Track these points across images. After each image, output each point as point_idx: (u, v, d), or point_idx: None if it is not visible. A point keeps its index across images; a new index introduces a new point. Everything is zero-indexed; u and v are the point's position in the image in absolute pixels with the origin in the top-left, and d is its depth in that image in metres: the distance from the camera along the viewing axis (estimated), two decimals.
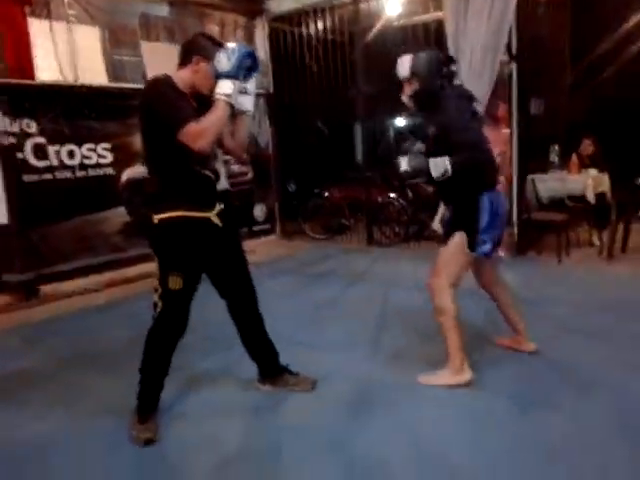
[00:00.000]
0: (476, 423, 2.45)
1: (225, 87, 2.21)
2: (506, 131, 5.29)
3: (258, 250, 6.47)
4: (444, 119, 2.56)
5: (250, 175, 7.01)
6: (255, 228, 7.25)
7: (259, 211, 7.38)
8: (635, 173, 5.33)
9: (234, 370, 3.08)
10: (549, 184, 5.62)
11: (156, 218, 2.33)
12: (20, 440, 2.53)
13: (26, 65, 4.87)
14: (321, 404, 2.69)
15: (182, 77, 2.33)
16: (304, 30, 6.68)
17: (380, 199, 6.72)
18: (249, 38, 6.87)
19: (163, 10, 5.93)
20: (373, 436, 2.38)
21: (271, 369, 2.83)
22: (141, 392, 2.50)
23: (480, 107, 2.80)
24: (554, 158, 6.00)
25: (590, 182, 5.31)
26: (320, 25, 6.55)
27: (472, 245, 2.63)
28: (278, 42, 6.93)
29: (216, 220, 2.42)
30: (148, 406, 2.51)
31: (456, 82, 2.74)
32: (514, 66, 5.19)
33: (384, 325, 3.79)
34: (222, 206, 2.47)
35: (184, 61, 2.35)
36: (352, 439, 2.36)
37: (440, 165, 2.47)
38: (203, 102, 2.31)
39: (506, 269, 4.97)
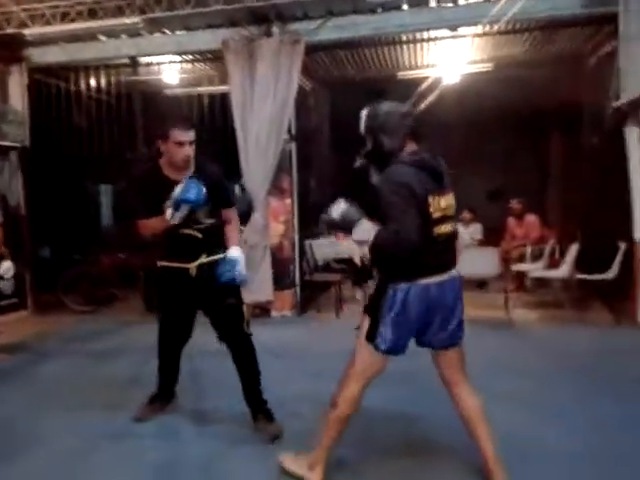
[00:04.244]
0: None
1: (170, 213, 2.72)
2: (288, 201, 5.78)
3: (6, 330, 5.43)
4: (381, 190, 2.16)
5: None
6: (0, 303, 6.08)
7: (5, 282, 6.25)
8: None
9: None
10: (323, 248, 6.30)
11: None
12: None
13: None
14: None
15: (163, 161, 2.85)
16: (74, 85, 6.20)
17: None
18: (2, 86, 5.99)
19: None
20: None
21: (252, 407, 3.00)
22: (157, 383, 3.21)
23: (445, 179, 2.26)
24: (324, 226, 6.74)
25: (358, 247, 6.14)
26: (93, 82, 6.18)
27: (371, 335, 2.21)
28: (41, 94, 6.23)
29: (193, 271, 2.85)
30: (155, 395, 3.20)
31: (422, 150, 2.28)
32: (293, 144, 5.77)
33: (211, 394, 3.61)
34: (207, 260, 2.87)
35: (158, 148, 2.82)
36: None
37: (366, 232, 2.15)
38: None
39: (293, 327, 5.37)
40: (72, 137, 6.36)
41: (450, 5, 5.38)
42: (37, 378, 4.11)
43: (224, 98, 5.97)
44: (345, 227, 2.24)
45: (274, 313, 5.79)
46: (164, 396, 3.24)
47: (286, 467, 2.49)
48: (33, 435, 3.04)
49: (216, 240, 2.93)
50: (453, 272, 2.28)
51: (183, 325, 3.07)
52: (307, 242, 6.21)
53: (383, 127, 2.23)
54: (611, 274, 5.32)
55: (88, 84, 6.23)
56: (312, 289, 6.20)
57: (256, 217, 5.63)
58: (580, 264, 5.58)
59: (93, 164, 6.79)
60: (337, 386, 2.33)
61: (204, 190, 2.69)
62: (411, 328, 2.21)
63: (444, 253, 2.25)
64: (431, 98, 6.71)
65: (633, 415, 3.04)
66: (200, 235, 2.85)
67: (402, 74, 6.99)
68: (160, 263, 2.98)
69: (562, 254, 6.22)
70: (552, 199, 9.66)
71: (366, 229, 2.16)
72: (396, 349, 2.21)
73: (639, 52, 4.98)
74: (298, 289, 5.90)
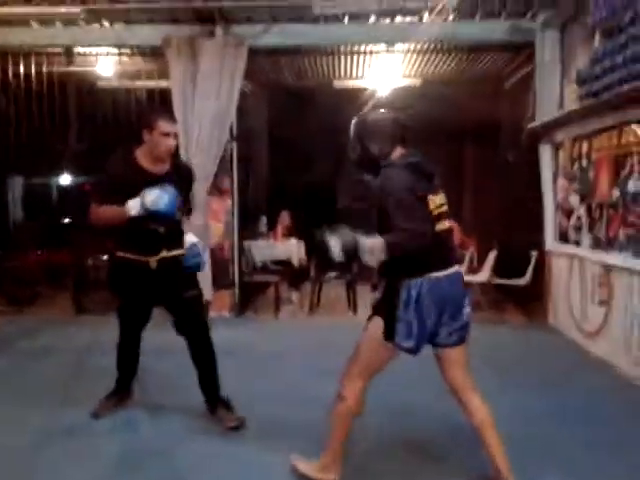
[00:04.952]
0: None
1: (135, 208, 2.69)
2: (229, 201, 5.82)
3: None
4: (382, 190, 2.22)
5: None
6: None
7: None
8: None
9: None
10: (262, 250, 6.38)
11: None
12: None
13: None
14: None
15: (141, 152, 2.87)
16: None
17: (91, 262, 6.17)
18: None
19: None
20: None
21: (210, 398, 3.07)
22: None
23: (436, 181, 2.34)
24: (262, 227, 6.85)
25: (295, 249, 6.29)
26: (23, 69, 5.87)
27: (389, 333, 2.22)
28: None
29: (153, 265, 2.87)
30: (113, 390, 3.19)
31: (411, 153, 2.34)
32: (235, 145, 5.83)
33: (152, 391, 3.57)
34: (167, 254, 2.90)
35: (139, 139, 2.82)
36: None
37: (374, 249, 2.13)
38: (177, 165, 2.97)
39: (233, 328, 5.37)
40: None
41: (387, 22, 5.69)
42: None
43: (163, 94, 5.91)
44: (353, 256, 2.19)
45: (212, 314, 5.76)
46: (122, 391, 3.23)
47: (300, 470, 2.48)
48: None
49: (177, 235, 3.00)
50: (457, 267, 2.37)
51: (141, 316, 3.09)
52: (246, 243, 6.24)
53: (372, 135, 2.30)
54: (525, 280, 5.83)
55: (16, 71, 5.90)
56: (249, 290, 6.26)
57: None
58: (497, 270, 6.08)
59: (18, 155, 6.43)
60: (341, 381, 2.35)
61: (177, 197, 2.74)
62: (427, 323, 2.22)
63: (447, 248, 2.35)
64: (366, 108, 7.04)
65: (550, 405, 3.38)
66: (162, 230, 2.87)
67: (338, 83, 7.23)
68: (118, 254, 2.96)
69: (480, 261, 6.71)
70: (469, 210, 10.34)
71: (372, 247, 2.14)
72: (417, 347, 2.24)
73: (552, 78, 5.52)
74: (237, 290, 5.94)
